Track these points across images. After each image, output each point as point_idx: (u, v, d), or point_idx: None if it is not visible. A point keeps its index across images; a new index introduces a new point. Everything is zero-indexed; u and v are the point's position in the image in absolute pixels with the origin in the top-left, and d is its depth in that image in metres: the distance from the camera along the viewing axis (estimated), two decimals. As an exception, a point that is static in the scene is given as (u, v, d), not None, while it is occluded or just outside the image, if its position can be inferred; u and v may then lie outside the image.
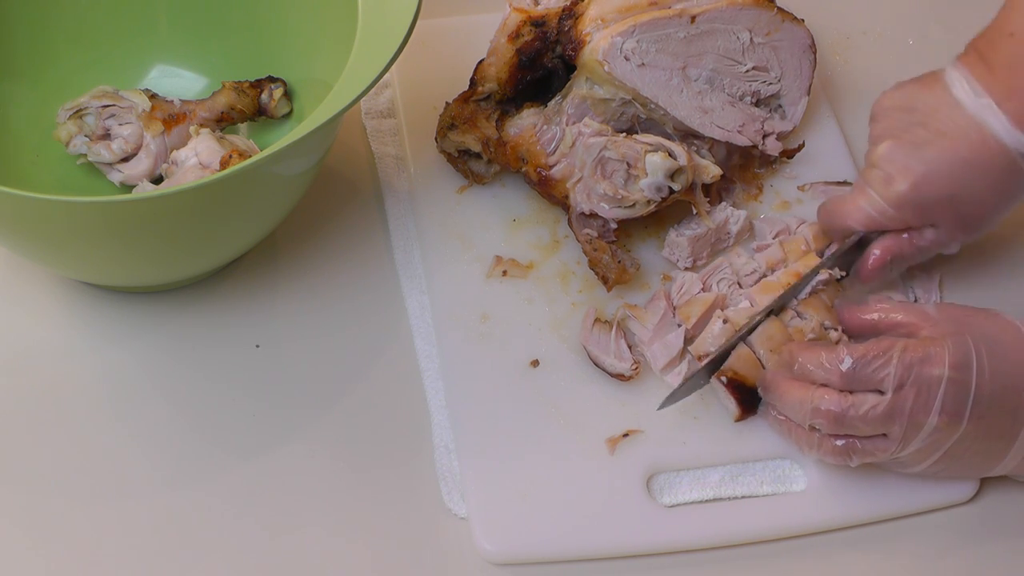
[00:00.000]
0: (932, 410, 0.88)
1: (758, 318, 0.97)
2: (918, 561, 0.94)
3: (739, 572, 0.93)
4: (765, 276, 1.02)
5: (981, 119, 0.95)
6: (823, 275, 0.99)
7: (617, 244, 1.03)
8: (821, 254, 1.02)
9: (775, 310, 0.98)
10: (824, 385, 0.90)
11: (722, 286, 1.02)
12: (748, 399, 0.96)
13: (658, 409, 0.95)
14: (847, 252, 1.00)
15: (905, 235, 0.99)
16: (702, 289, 1.01)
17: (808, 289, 0.99)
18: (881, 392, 0.88)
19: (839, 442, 0.90)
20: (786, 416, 0.93)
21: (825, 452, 0.92)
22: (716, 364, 0.96)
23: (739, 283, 1.02)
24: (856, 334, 0.96)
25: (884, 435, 0.90)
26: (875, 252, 0.99)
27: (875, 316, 0.94)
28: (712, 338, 0.98)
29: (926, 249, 1.00)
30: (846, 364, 0.89)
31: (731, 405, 0.96)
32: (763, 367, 0.96)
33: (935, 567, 0.93)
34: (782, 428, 0.94)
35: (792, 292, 0.99)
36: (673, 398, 0.96)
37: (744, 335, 0.97)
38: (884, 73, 1.03)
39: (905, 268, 1.02)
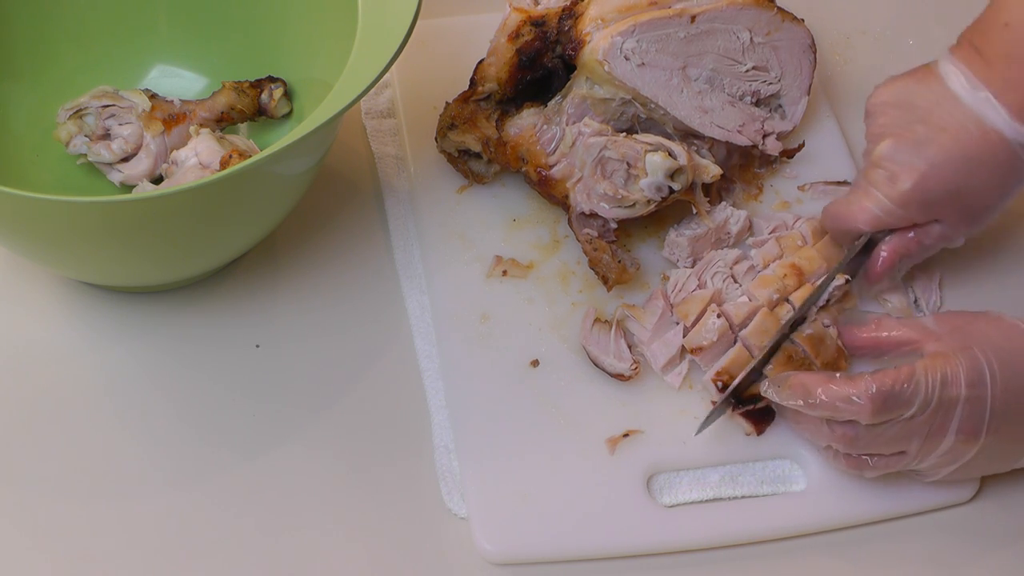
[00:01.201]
0: (950, 430, 0.88)
1: (778, 336, 0.96)
2: (918, 561, 0.94)
3: (739, 572, 0.93)
4: (760, 270, 1.02)
5: (980, 113, 0.95)
6: (839, 280, 0.99)
7: (617, 244, 1.03)
8: (829, 257, 1.02)
9: (796, 322, 0.97)
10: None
11: (716, 280, 1.02)
12: (762, 418, 0.96)
13: (696, 435, 0.95)
14: (854, 257, 1.00)
15: (911, 233, 0.99)
16: (698, 285, 1.01)
17: (825, 297, 0.99)
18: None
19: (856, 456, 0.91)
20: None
21: (841, 465, 0.92)
22: (743, 386, 0.96)
23: (732, 276, 1.02)
24: (857, 354, 0.96)
25: (902, 456, 0.90)
26: (883, 253, 0.99)
27: (875, 335, 0.94)
28: (707, 332, 0.98)
29: (932, 245, 1.00)
30: (874, 401, 0.87)
31: (746, 426, 0.96)
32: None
33: (935, 567, 0.93)
34: (799, 429, 0.94)
35: (810, 302, 0.98)
36: (707, 423, 0.95)
37: (768, 355, 0.96)
38: (884, 73, 1.02)
39: (910, 266, 1.01)
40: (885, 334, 0.93)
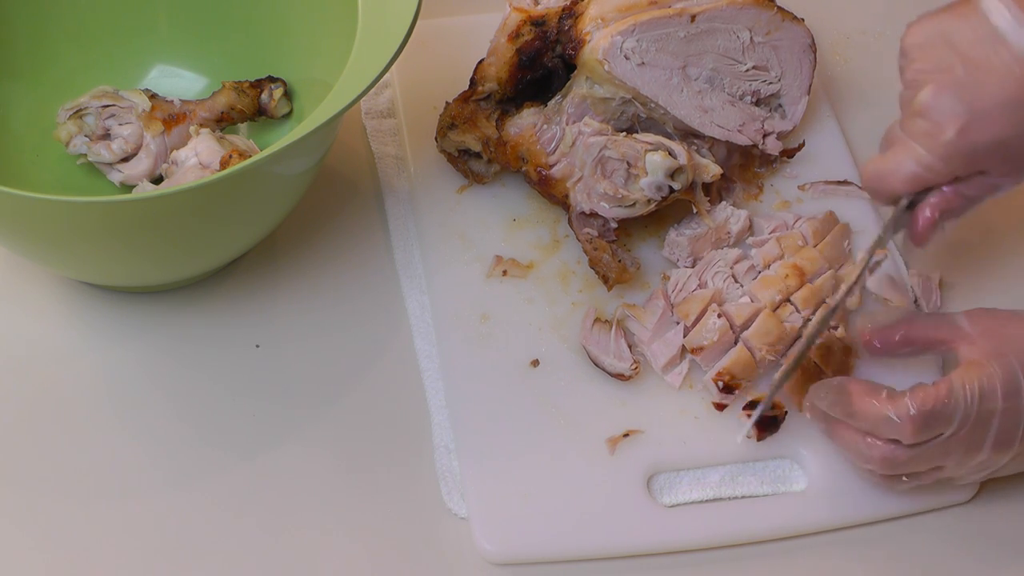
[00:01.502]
0: (986, 443, 0.87)
1: (814, 331, 0.94)
2: (918, 561, 0.93)
3: (739, 572, 0.93)
4: (761, 270, 1.02)
5: None
6: (880, 254, 0.96)
7: (617, 243, 1.03)
8: (831, 258, 1.02)
9: (839, 306, 0.94)
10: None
11: (717, 280, 1.02)
12: (766, 426, 0.96)
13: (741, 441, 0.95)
14: (898, 219, 0.95)
15: (950, 188, 0.92)
16: (698, 285, 1.01)
17: (866, 275, 0.96)
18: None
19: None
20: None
21: (876, 479, 0.92)
22: (779, 385, 0.95)
23: (733, 276, 1.02)
24: (884, 354, 0.93)
25: (940, 470, 0.89)
26: (925, 213, 0.92)
27: (908, 334, 0.91)
28: (707, 333, 0.98)
29: (977, 197, 0.93)
30: (915, 422, 0.85)
31: (749, 430, 0.96)
32: (756, 364, 0.96)
33: (935, 567, 0.93)
34: (838, 444, 0.93)
35: (857, 282, 0.94)
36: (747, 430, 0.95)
37: (806, 347, 0.94)
38: (884, 73, 1.03)
39: (956, 223, 0.95)
40: (919, 333, 0.91)
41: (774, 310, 0.98)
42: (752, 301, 0.99)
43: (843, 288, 0.95)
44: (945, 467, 0.89)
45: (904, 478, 0.90)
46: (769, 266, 1.02)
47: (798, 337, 0.97)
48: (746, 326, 0.98)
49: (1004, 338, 0.88)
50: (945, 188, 0.92)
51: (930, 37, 0.91)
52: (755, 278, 1.01)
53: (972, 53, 0.89)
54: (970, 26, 0.89)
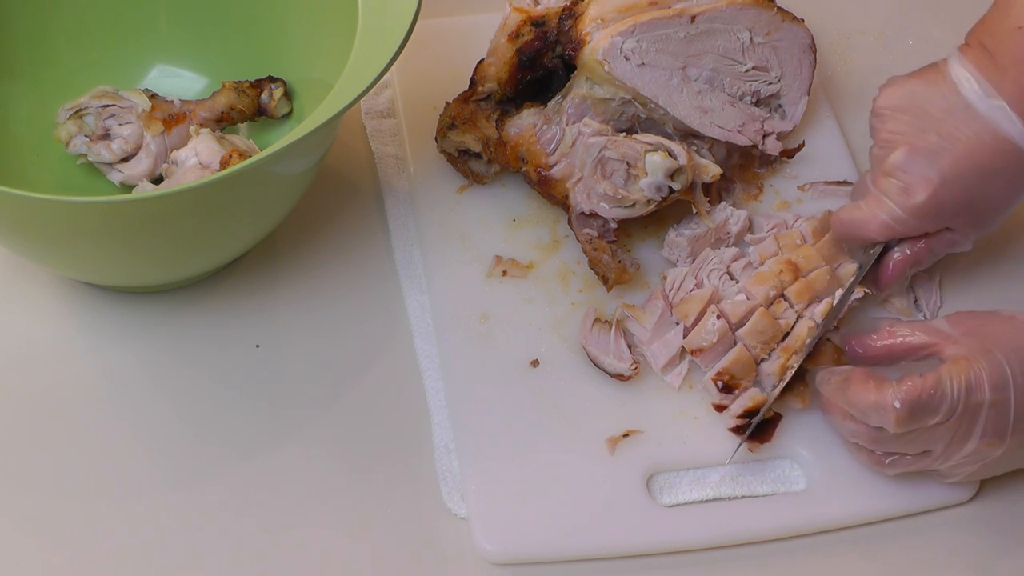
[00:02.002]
0: (974, 434, 0.88)
1: (802, 357, 0.96)
2: (918, 561, 0.94)
3: (739, 572, 0.93)
4: (757, 267, 1.02)
5: (994, 122, 0.93)
6: (859, 293, 1.00)
7: (617, 244, 1.03)
8: (828, 256, 1.02)
9: (816, 340, 0.97)
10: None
11: (713, 277, 1.01)
12: (758, 435, 0.95)
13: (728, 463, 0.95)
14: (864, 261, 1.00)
15: (921, 243, 0.98)
16: (695, 284, 1.01)
17: (845, 309, 0.99)
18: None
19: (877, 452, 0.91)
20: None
21: (863, 459, 0.93)
22: (769, 404, 0.96)
23: (729, 273, 1.02)
24: (869, 363, 0.94)
25: (927, 456, 0.90)
26: (895, 257, 0.99)
27: (890, 342, 0.93)
28: (707, 334, 0.98)
29: (942, 251, 0.99)
30: (900, 413, 0.87)
31: (748, 445, 0.96)
32: (756, 364, 0.96)
33: (935, 567, 0.93)
34: (829, 417, 0.94)
35: (832, 317, 0.98)
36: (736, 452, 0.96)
37: (791, 380, 0.96)
38: (884, 73, 1.02)
39: (917, 270, 1.01)
40: (900, 340, 0.92)
41: (768, 306, 0.98)
42: (747, 298, 0.99)
43: (822, 322, 0.98)
44: (933, 452, 0.89)
45: (887, 461, 0.91)
46: (764, 263, 1.02)
47: (787, 334, 0.97)
48: (741, 324, 0.98)
49: (987, 336, 0.89)
50: (919, 244, 0.98)
51: (902, 101, 0.97)
52: (751, 274, 1.01)
53: (943, 120, 0.95)
54: (941, 94, 0.95)
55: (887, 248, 0.99)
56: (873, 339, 0.94)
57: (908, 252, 0.98)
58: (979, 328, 0.90)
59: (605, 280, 1.02)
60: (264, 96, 1.07)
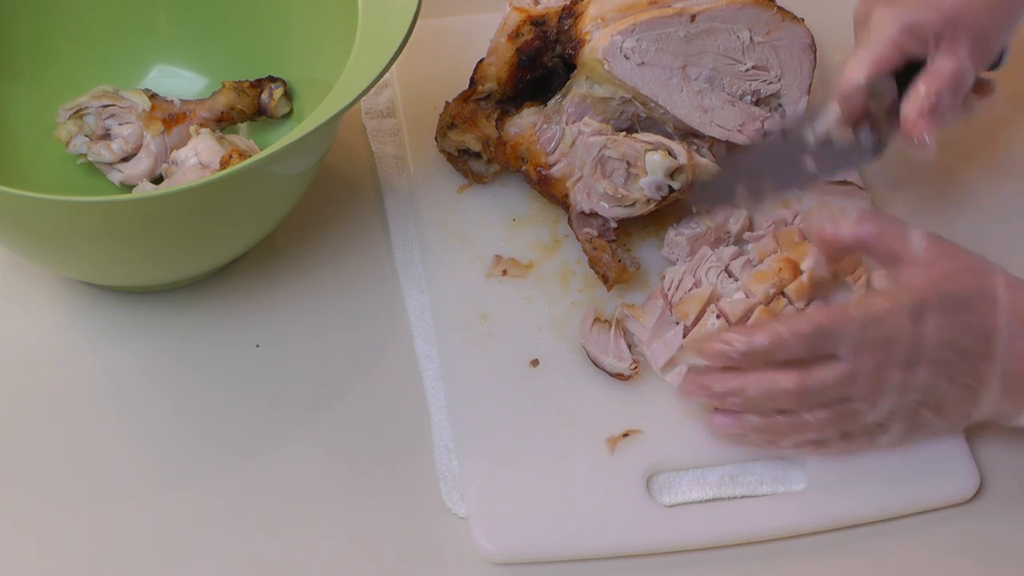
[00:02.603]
0: (891, 365, 0.88)
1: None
2: (918, 561, 0.93)
3: (739, 572, 0.93)
4: (756, 265, 1.02)
5: None
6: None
7: (617, 243, 1.03)
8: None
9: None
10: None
11: (711, 276, 1.01)
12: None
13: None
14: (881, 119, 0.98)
15: (927, 76, 0.95)
16: (694, 283, 1.01)
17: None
18: (837, 357, 0.88)
19: (808, 437, 0.92)
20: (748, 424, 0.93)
21: (800, 447, 0.93)
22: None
23: (728, 271, 1.02)
24: (836, 253, 0.94)
25: (850, 403, 0.90)
26: (919, 89, 0.96)
27: (864, 234, 0.91)
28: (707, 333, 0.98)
29: (957, 87, 0.96)
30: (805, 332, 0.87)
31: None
32: None
33: (935, 567, 0.93)
34: (748, 438, 0.94)
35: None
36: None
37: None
38: (884, 72, 1.02)
39: (949, 113, 0.97)
40: (872, 238, 0.91)
41: (768, 304, 0.98)
42: (747, 296, 0.99)
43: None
44: (855, 396, 0.89)
45: (825, 448, 0.92)
46: (763, 260, 1.02)
47: None
48: (741, 322, 0.98)
49: (943, 277, 0.89)
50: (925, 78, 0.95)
51: None
52: (750, 272, 1.01)
53: None
54: None
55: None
56: (849, 226, 0.92)
57: (922, 87, 0.95)
58: (940, 268, 0.89)
59: (605, 279, 1.02)
60: (264, 96, 1.07)
